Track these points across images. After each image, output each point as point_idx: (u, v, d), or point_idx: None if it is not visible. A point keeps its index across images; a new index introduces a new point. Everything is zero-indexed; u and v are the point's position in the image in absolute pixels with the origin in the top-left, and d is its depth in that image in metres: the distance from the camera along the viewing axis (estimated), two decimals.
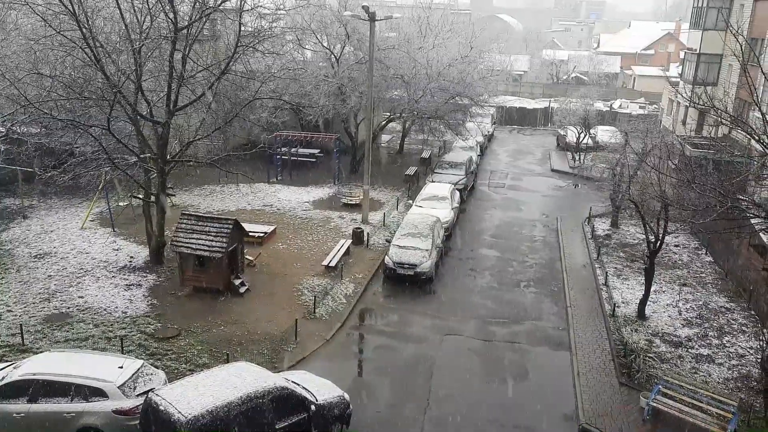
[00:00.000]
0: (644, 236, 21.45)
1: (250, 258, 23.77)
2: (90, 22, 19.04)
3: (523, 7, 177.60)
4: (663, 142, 27.21)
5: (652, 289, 21.64)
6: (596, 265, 25.85)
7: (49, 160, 23.71)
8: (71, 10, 18.46)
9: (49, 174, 21.93)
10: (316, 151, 38.70)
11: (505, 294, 23.43)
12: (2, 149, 27.43)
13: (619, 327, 20.48)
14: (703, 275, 25.02)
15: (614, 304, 21.87)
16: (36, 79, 20.33)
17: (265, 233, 26.23)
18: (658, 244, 20.68)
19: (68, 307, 20.01)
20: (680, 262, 26.34)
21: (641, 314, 21.17)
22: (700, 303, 22.43)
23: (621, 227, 30.27)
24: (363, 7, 27.82)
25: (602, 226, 30.56)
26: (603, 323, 20.97)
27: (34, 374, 14.14)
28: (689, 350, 19.27)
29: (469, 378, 17.89)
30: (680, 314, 21.56)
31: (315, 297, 21.22)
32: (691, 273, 25.19)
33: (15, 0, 19.72)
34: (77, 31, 18.83)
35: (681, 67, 48.14)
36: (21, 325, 18.26)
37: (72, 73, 20.42)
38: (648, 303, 21.37)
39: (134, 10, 20.17)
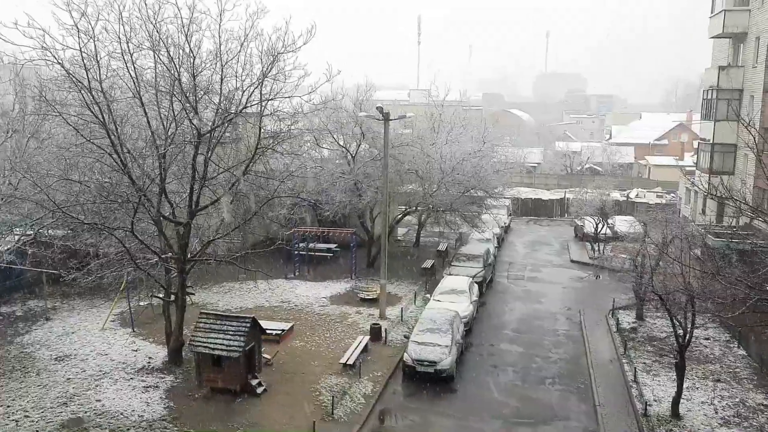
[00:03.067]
0: (672, 329, 20.90)
1: (268, 356, 23.44)
2: (119, 130, 19.92)
3: (534, 102, 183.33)
4: (684, 232, 27.04)
5: (685, 385, 20.82)
6: (624, 360, 25.07)
7: (73, 262, 24.08)
8: (101, 119, 19.40)
9: (73, 276, 22.21)
10: (333, 245, 39.02)
11: (530, 392, 22.67)
12: (30, 252, 28.00)
13: (652, 427, 19.57)
14: (738, 370, 24.11)
15: (646, 402, 21.00)
16: (65, 184, 21.02)
17: (283, 330, 25.98)
18: (687, 338, 20.10)
19: (85, 412, 19.64)
20: (712, 356, 25.50)
21: (675, 413, 20.25)
22: (737, 400, 21.47)
23: (647, 320, 29.59)
24: (377, 107, 28.85)
25: (627, 319, 29.90)
26: (635, 423, 20.08)
27: None
28: None
29: None
30: (716, 413, 20.61)
31: (333, 397, 20.70)
32: (725, 368, 24.30)
33: (50, 111, 20.70)
34: (106, 138, 19.69)
35: (695, 156, 48.63)
36: (37, 431, 17.91)
37: (99, 178, 21.11)
38: (681, 401, 20.49)
39: (161, 118, 21.05)
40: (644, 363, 24.72)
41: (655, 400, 21.40)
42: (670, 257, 22.54)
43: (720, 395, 21.85)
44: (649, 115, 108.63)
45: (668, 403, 20.75)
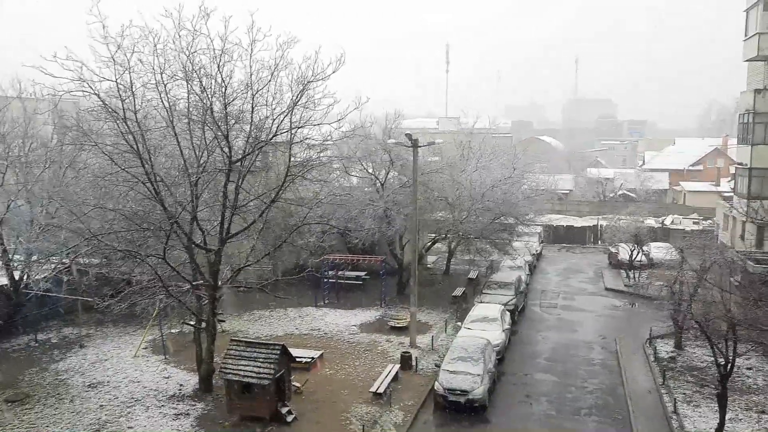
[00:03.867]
0: (713, 358, 20.18)
1: (297, 384, 23.30)
2: (152, 159, 20.31)
3: (564, 129, 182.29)
4: (723, 258, 26.29)
5: (727, 416, 20.02)
6: (663, 391, 24.26)
7: (107, 290, 24.42)
8: (136, 148, 19.82)
9: (107, 303, 22.50)
10: (362, 273, 38.95)
11: (565, 423, 22.03)
12: (65, 280, 28.53)
13: None
14: None
15: None
16: (100, 212, 21.44)
17: (313, 358, 25.85)
18: (728, 367, 19.37)
19: None
20: (755, 386, 24.52)
21: None
22: None
23: (686, 349, 28.67)
24: (406, 134, 28.94)
25: (665, 348, 29.02)
26: None
27: None
28: None
29: None
30: None
31: (363, 426, 20.41)
32: None
33: (86, 141, 21.22)
34: (140, 167, 20.09)
35: (733, 182, 47.61)
36: None
37: (133, 206, 21.49)
38: None
39: (193, 146, 21.42)
40: (684, 393, 23.89)
41: None
42: (710, 283, 21.93)
43: (765, 427, 20.92)
44: (684, 140, 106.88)
45: None
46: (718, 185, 77.16)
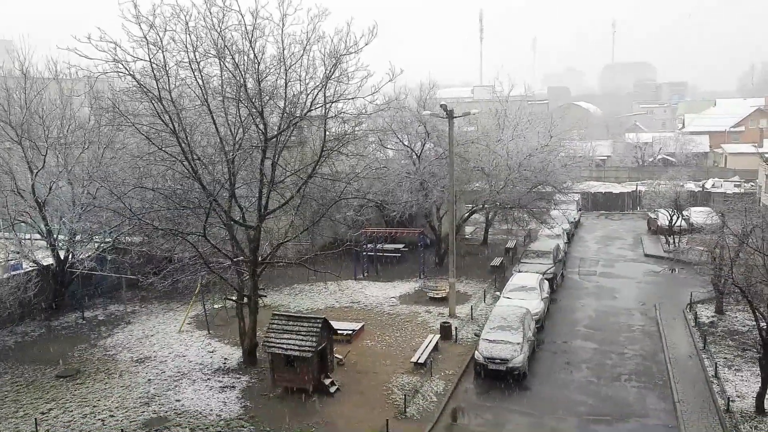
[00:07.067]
0: (755, 323, 19.84)
1: (340, 356, 23.70)
2: (188, 138, 20.58)
3: (601, 94, 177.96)
4: (765, 221, 25.61)
5: None
6: (703, 356, 24.01)
7: (150, 267, 25.00)
8: (172, 128, 20.09)
9: (150, 280, 23.08)
10: (400, 245, 39.15)
11: (606, 389, 22.02)
12: (109, 259, 29.35)
13: (736, 424, 18.64)
14: None
15: (728, 398, 20.04)
16: (139, 192, 21.88)
17: (354, 330, 26.22)
18: None
19: (166, 411, 20.37)
20: None
21: (760, 409, 19.22)
22: None
23: (727, 313, 28.23)
24: (441, 105, 28.70)
25: (706, 313, 28.63)
26: (717, 420, 19.16)
27: None
28: None
29: None
30: None
31: (405, 395, 20.69)
32: None
33: (123, 122, 21.57)
34: (177, 146, 20.39)
35: None
36: (122, 430, 18.77)
37: (172, 185, 21.86)
38: (767, 396, 19.43)
39: (228, 124, 21.62)
40: (725, 358, 23.61)
41: (738, 396, 20.39)
42: (752, 248, 21.45)
43: None
44: (725, 101, 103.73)
45: (752, 399, 19.74)
46: (761, 146, 74.92)
